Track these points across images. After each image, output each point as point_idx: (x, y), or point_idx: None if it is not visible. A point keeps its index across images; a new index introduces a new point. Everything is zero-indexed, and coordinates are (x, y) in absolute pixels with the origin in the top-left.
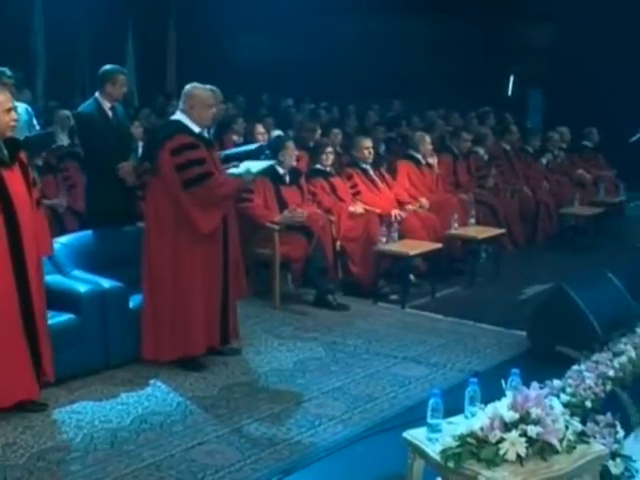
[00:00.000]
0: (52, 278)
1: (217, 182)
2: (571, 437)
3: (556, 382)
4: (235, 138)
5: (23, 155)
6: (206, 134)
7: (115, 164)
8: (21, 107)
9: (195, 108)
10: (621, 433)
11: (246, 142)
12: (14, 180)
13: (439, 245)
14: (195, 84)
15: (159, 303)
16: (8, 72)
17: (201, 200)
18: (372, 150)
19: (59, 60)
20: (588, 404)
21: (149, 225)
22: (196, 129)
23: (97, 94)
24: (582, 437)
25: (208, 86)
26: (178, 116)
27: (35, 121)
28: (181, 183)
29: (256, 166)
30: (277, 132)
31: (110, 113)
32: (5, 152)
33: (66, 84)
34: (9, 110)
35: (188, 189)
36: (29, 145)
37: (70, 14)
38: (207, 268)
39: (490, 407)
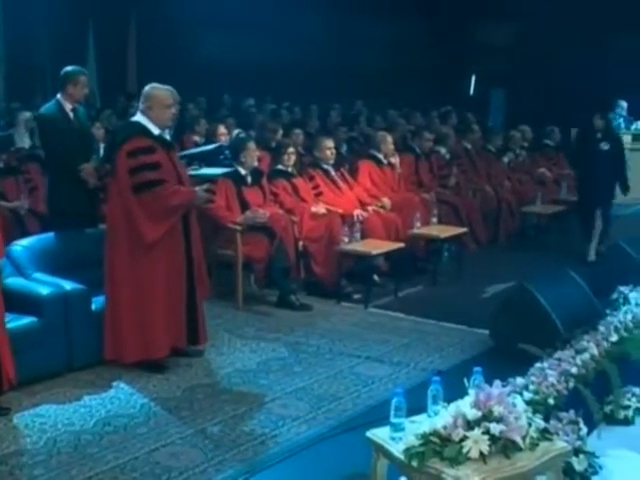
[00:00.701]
0: (13, 281)
1: (167, 191)
2: (534, 434)
3: (519, 380)
4: (196, 139)
5: None
6: (166, 135)
7: (77, 166)
8: None
9: (154, 109)
10: (584, 430)
11: (207, 143)
12: None
13: (401, 244)
14: (154, 84)
15: (119, 305)
16: None
17: (149, 208)
18: (334, 150)
19: (19, 61)
20: (551, 401)
21: (109, 227)
22: (155, 130)
23: (59, 95)
24: (545, 434)
25: (167, 86)
26: (138, 117)
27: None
28: (131, 187)
29: (214, 172)
30: (237, 132)
31: (71, 114)
32: None
33: (27, 85)
34: None
35: (137, 194)
36: None
37: (30, 14)
38: (169, 270)
39: (453, 406)
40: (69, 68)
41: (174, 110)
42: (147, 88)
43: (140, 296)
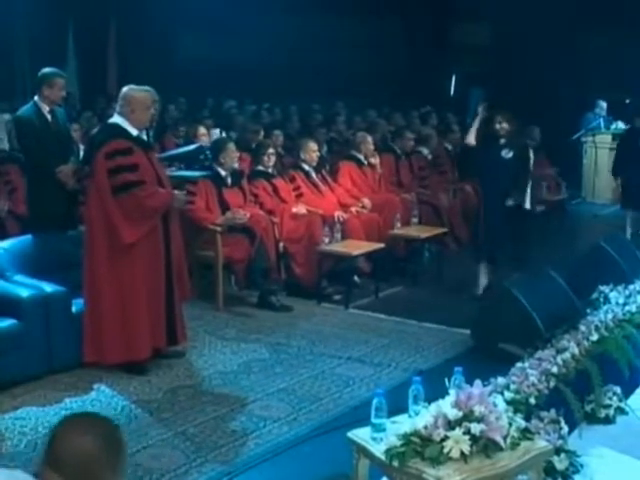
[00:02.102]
0: None
1: (146, 192)
2: (515, 434)
3: (500, 380)
4: (176, 140)
5: None
6: (144, 136)
7: (55, 168)
8: None
9: (135, 111)
10: (565, 429)
11: (187, 144)
12: None
13: (382, 245)
14: (131, 86)
15: (100, 307)
16: None
17: (127, 209)
18: (318, 153)
19: None
20: (532, 401)
21: (87, 228)
22: (134, 132)
23: (36, 97)
24: (526, 434)
25: (144, 87)
26: (116, 119)
27: None
28: (110, 188)
29: (193, 174)
30: (216, 132)
31: (49, 116)
32: None
33: (6, 87)
34: None
35: (116, 195)
36: None
37: (9, 15)
38: (148, 270)
39: (434, 406)
40: (46, 70)
41: (153, 111)
42: (125, 90)
43: (121, 297)
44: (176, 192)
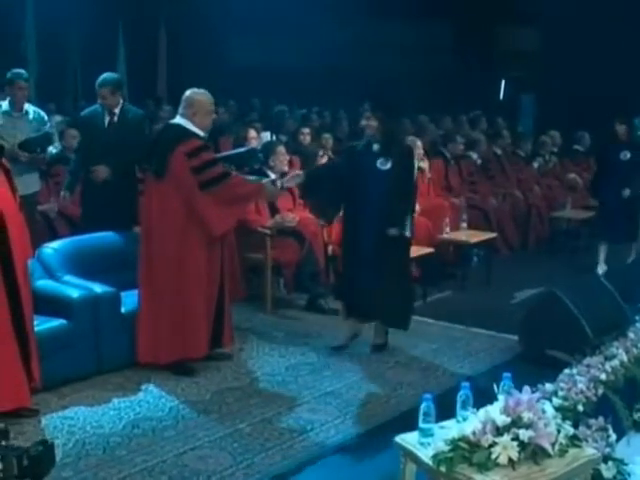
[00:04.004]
0: (44, 283)
1: (236, 180)
2: (563, 441)
3: (548, 386)
4: (229, 142)
5: (5, 161)
6: (206, 137)
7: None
8: (33, 110)
9: (197, 114)
10: (613, 437)
11: (238, 146)
12: None
13: (431, 249)
14: (195, 89)
15: (159, 306)
16: (25, 74)
17: (219, 199)
18: None
19: (50, 65)
20: (580, 408)
21: (151, 228)
22: (200, 133)
23: (99, 100)
24: (574, 441)
25: (204, 90)
26: (179, 121)
27: (48, 125)
28: (198, 184)
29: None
30: (266, 135)
31: (107, 119)
32: None
33: (57, 89)
34: None
35: (206, 189)
36: (27, 147)
37: (61, 19)
38: (209, 271)
39: (482, 411)
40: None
41: (214, 115)
42: (189, 93)
43: (181, 297)
44: (265, 181)
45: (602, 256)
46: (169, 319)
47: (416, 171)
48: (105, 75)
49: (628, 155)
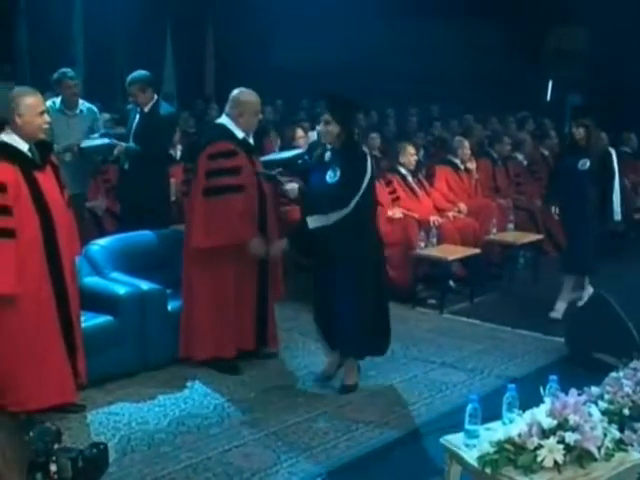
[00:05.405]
0: (91, 280)
1: (238, 202)
2: (609, 444)
3: (594, 389)
4: (274, 143)
5: (54, 157)
6: (250, 139)
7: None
8: (86, 107)
9: (244, 115)
10: None
11: (285, 147)
12: (47, 182)
13: (477, 250)
14: (242, 89)
15: (192, 305)
16: (70, 73)
17: (213, 211)
18: (416, 157)
19: (97, 64)
20: (626, 412)
21: (186, 228)
22: (240, 134)
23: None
24: (620, 445)
25: (252, 91)
26: (223, 120)
27: (100, 123)
28: (203, 189)
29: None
30: (313, 134)
31: (138, 116)
32: (37, 155)
33: (105, 88)
34: (42, 113)
35: (208, 197)
36: (88, 153)
37: (109, 18)
38: (241, 272)
39: (528, 413)
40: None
41: (260, 116)
42: (236, 93)
43: (212, 296)
44: (255, 240)
45: (567, 287)
46: (204, 317)
47: (368, 181)
48: (134, 73)
49: None
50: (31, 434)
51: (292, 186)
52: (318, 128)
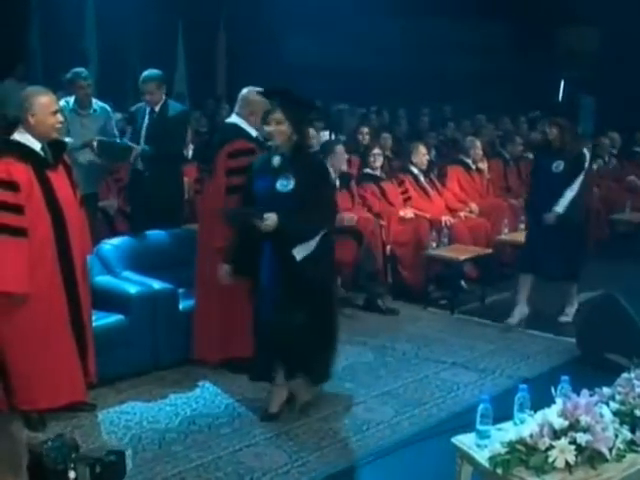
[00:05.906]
0: (102, 279)
1: None
2: (621, 445)
3: (605, 390)
4: None
5: (66, 156)
6: (261, 137)
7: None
8: (99, 106)
9: (254, 114)
10: None
11: None
12: (60, 181)
13: (489, 250)
14: (251, 88)
15: (210, 304)
16: (84, 73)
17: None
18: (428, 157)
19: (110, 63)
20: (637, 413)
21: (201, 226)
22: (253, 133)
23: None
24: (632, 446)
25: (260, 89)
26: (234, 119)
27: (114, 122)
28: (226, 187)
29: None
30: (325, 134)
31: (148, 116)
32: (50, 154)
33: (117, 87)
34: (55, 112)
35: (231, 195)
36: (104, 148)
37: (121, 17)
38: None
39: (539, 414)
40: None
41: None
42: (246, 92)
43: (229, 294)
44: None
45: (523, 290)
46: (219, 317)
47: (332, 190)
48: (148, 71)
49: None
50: (49, 444)
51: (270, 216)
52: (267, 128)
